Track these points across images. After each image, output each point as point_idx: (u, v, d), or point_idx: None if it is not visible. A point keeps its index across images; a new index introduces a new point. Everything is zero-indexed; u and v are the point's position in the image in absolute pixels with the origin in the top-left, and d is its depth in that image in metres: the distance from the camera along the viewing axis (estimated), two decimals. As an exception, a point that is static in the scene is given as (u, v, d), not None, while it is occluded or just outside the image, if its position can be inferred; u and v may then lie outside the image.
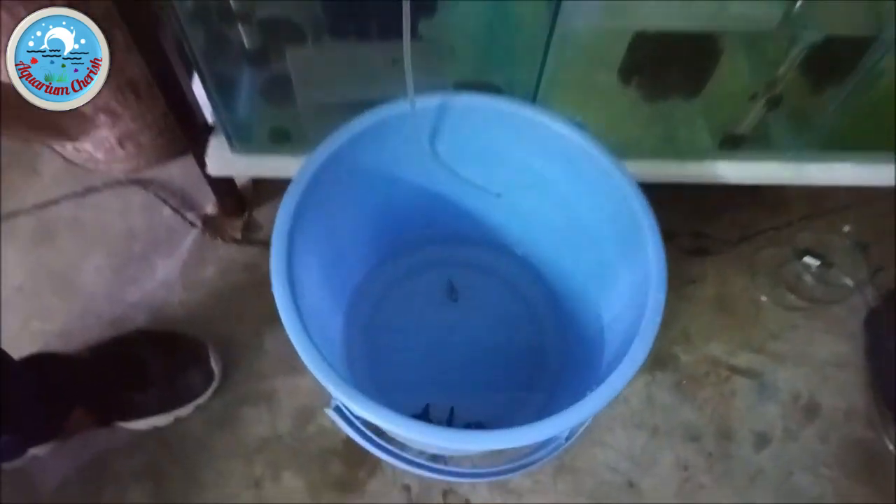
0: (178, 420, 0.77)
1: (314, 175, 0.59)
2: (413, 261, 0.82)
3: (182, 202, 0.91)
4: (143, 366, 0.74)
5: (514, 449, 0.52)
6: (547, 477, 0.77)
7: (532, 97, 0.70)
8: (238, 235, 0.88)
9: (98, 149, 0.85)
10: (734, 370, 0.85)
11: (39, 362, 0.69)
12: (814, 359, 0.86)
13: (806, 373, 0.85)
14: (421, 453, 0.67)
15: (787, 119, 0.74)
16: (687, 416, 0.82)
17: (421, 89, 0.60)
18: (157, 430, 0.76)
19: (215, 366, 0.77)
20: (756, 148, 0.77)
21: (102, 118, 0.79)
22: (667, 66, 0.74)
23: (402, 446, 0.56)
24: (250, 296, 0.85)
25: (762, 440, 0.81)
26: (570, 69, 0.71)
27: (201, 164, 0.76)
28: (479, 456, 0.77)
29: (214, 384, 0.78)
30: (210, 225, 0.89)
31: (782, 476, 0.79)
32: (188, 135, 0.74)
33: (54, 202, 0.90)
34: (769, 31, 0.66)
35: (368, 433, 0.53)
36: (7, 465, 0.72)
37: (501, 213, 0.77)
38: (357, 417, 0.52)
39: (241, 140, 0.74)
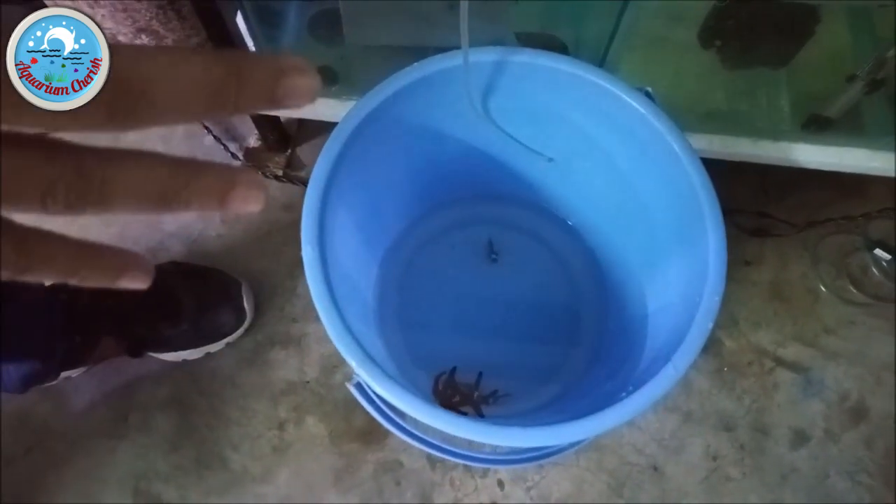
0: (208, 355, 0.77)
1: (354, 130, 0.56)
2: (454, 217, 0.79)
3: (225, 132, 0.89)
4: (175, 301, 0.73)
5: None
6: (570, 452, 0.76)
7: (601, 58, 0.64)
8: (280, 172, 0.86)
9: (141, 70, 0.82)
10: (780, 362, 0.80)
11: (71, 288, 0.69)
12: (869, 359, 0.81)
13: (858, 373, 0.80)
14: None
15: (887, 106, 0.67)
16: (724, 404, 0.78)
17: (478, 39, 0.55)
18: (186, 363, 0.77)
19: (247, 305, 0.77)
20: (844, 133, 0.69)
21: (144, 38, 0.76)
22: (754, 31, 0.67)
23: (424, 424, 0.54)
24: (288, 236, 0.84)
25: (800, 438, 0.77)
26: (646, 27, 0.64)
27: (243, 99, 0.73)
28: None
29: (246, 323, 0.77)
30: (252, 158, 0.87)
31: (817, 478, 0.76)
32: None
33: (97, 121, 0.88)
34: (888, 4, 0.58)
35: (389, 412, 0.51)
36: (41, 386, 0.73)
37: (552, 179, 0.72)
38: (378, 395, 0.50)
39: (285, 78, 0.70)
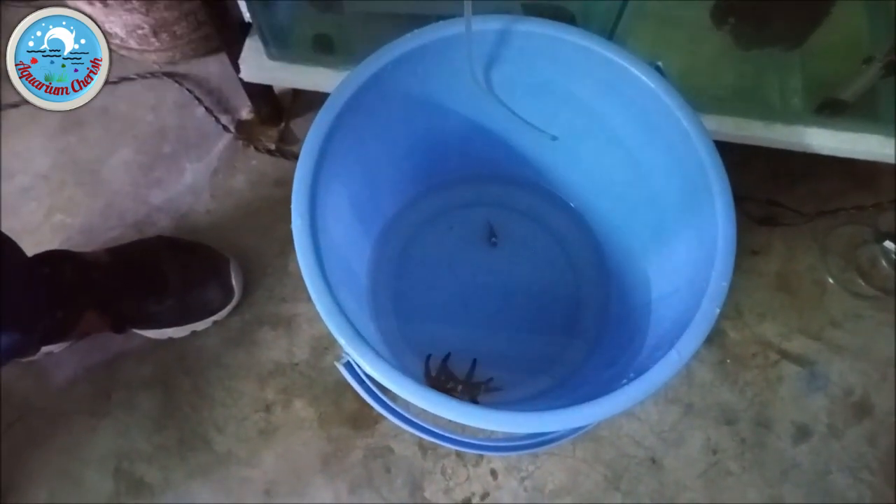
0: (194, 333, 0.75)
1: (352, 97, 0.53)
2: (453, 197, 0.76)
3: (217, 103, 0.86)
4: (161, 276, 0.71)
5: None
6: (566, 440, 0.74)
7: (609, 32, 0.61)
8: (272, 146, 0.83)
9: (131, 36, 0.79)
10: (785, 355, 0.78)
11: (54, 260, 0.66)
12: (875, 354, 0.78)
13: (864, 368, 0.78)
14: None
15: (904, 90, 0.64)
16: (725, 397, 0.76)
17: (482, 8, 0.53)
18: (171, 341, 0.75)
19: (236, 283, 0.74)
20: (859, 118, 0.67)
21: (135, 2, 0.73)
22: (768, 10, 0.64)
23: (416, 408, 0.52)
24: (279, 213, 0.81)
25: (802, 433, 0.75)
26: (658, 3, 0.62)
27: (236, 67, 0.70)
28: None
29: (233, 302, 0.75)
30: (244, 131, 0.84)
31: (818, 474, 0.73)
32: (222, 33, 0.67)
33: (85, 89, 0.85)
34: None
35: (379, 394, 0.49)
36: (22, 361, 0.71)
37: (555, 159, 0.70)
38: (368, 376, 0.48)
39: (280, 45, 0.67)
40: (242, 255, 0.77)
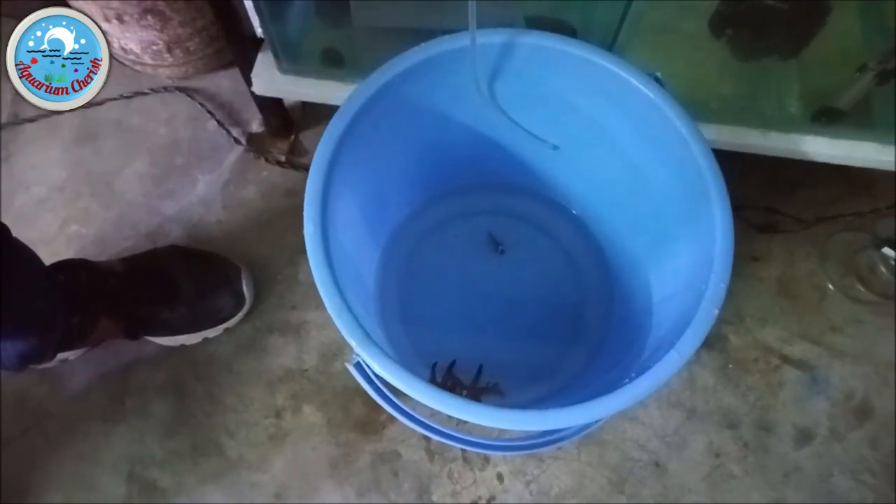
0: (206, 340, 0.76)
1: (360, 108, 0.55)
2: (459, 206, 0.78)
3: (228, 116, 0.88)
4: (173, 284, 0.72)
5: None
6: (571, 444, 0.75)
7: (609, 44, 0.63)
8: (282, 158, 0.85)
9: (145, 51, 0.81)
10: (786, 359, 0.79)
11: (70, 268, 0.68)
12: (875, 358, 0.79)
13: (864, 372, 0.79)
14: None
15: (897, 97, 0.66)
16: (728, 401, 0.77)
17: (486, 22, 0.55)
18: (184, 348, 0.76)
19: (247, 290, 0.76)
20: (854, 126, 0.68)
21: (150, 20, 0.75)
22: (765, 21, 0.66)
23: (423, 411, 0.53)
24: (290, 223, 0.83)
25: (804, 436, 0.76)
26: (656, 14, 0.63)
27: (248, 81, 0.72)
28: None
29: (245, 309, 0.76)
30: (254, 144, 0.86)
31: (820, 477, 0.74)
32: (235, 48, 0.69)
33: (100, 103, 0.87)
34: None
35: (388, 394, 0.50)
36: (38, 367, 0.73)
37: (558, 168, 0.71)
38: (378, 377, 0.49)
39: (290, 59, 0.70)
40: (253, 264, 0.79)
